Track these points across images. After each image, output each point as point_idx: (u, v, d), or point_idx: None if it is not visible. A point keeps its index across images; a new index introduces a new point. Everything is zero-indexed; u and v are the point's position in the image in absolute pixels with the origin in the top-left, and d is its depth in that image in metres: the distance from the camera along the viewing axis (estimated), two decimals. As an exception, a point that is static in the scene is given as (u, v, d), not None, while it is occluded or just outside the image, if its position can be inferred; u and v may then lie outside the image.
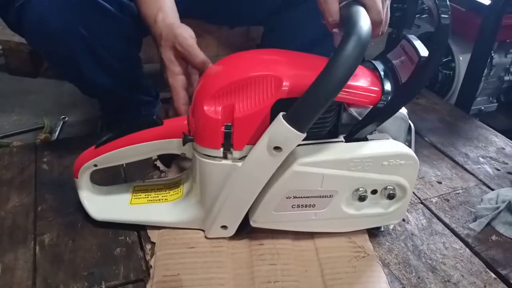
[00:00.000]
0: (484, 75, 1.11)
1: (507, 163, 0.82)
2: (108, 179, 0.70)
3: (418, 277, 0.58)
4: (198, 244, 0.60)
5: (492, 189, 0.75)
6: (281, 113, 0.48)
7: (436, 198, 0.73)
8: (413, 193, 0.73)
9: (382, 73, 0.57)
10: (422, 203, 0.72)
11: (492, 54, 1.13)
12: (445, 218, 0.68)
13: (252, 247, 0.60)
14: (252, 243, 0.60)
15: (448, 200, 0.72)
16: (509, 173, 0.80)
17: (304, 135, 0.48)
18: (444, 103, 1.03)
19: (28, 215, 0.64)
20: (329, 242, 0.61)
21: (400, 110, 0.56)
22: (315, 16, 0.56)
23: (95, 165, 0.59)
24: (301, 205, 0.56)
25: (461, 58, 1.14)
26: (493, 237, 0.65)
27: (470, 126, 0.94)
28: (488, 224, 0.67)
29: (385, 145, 0.55)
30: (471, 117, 0.97)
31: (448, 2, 0.48)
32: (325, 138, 0.56)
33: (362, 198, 0.56)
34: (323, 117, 0.53)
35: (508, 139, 0.90)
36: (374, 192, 0.57)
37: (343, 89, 0.47)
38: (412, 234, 0.65)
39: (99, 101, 0.99)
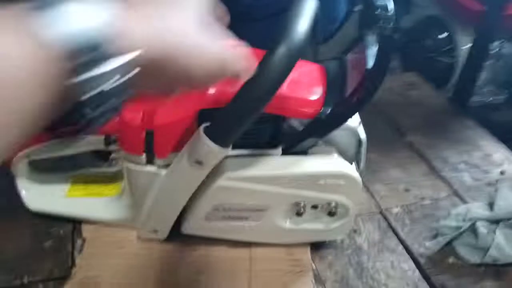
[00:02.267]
0: (490, 63, 1.01)
1: (489, 173, 0.76)
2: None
3: (354, 299, 0.55)
4: (128, 244, 0.58)
5: (466, 202, 0.70)
6: (202, 126, 0.44)
7: (398, 208, 0.68)
8: (375, 201, 0.69)
9: (331, 79, 0.51)
10: (381, 213, 0.67)
11: (503, 42, 1.03)
12: (401, 233, 0.64)
13: (184, 253, 0.57)
14: (185, 248, 0.58)
15: (411, 212, 0.67)
16: (488, 184, 0.73)
17: (227, 150, 0.44)
18: (438, 96, 0.94)
19: None
20: (267, 252, 0.58)
21: (350, 122, 0.51)
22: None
23: (28, 157, 0.57)
24: (233, 217, 0.53)
25: (462, 48, 1.04)
26: (450, 260, 0.61)
27: (460, 126, 0.87)
28: (449, 243, 0.62)
29: (323, 163, 0.50)
30: (464, 115, 0.89)
31: (391, 12, 0.41)
32: (263, 148, 0.52)
33: (299, 214, 0.53)
34: (256, 128, 0.49)
35: (498, 144, 0.82)
36: (314, 207, 0.53)
37: (275, 100, 0.43)
38: (359, 249, 0.61)
39: None
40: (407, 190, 0.71)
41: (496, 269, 0.59)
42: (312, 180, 0.50)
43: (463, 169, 0.76)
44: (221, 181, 0.49)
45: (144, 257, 0.56)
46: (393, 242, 0.63)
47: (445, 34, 1.08)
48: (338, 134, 0.52)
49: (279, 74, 0.40)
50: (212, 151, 0.44)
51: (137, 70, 0.26)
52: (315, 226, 0.55)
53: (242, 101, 0.41)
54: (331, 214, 0.53)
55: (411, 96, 0.94)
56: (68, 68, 0.23)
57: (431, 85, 0.97)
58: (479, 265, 0.60)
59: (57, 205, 0.60)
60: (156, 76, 0.29)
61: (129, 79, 0.26)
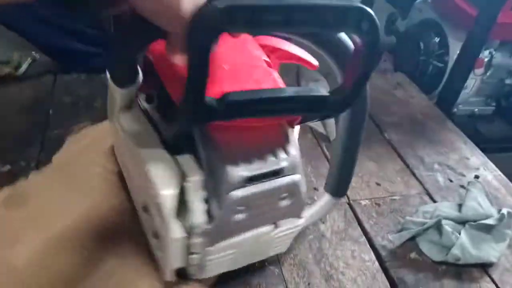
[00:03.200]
0: (480, 74, 1.01)
1: (464, 175, 0.75)
2: (28, 128, 0.68)
3: (308, 283, 0.54)
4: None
5: (435, 201, 0.69)
6: None
7: (366, 201, 0.67)
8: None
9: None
10: (349, 203, 0.66)
11: (493, 53, 1.02)
12: (366, 224, 0.63)
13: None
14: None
15: (379, 205, 0.67)
16: (461, 186, 0.73)
17: None
18: (422, 98, 0.94)
19: None
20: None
21: None
22: None
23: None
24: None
25: (453, 54, 1.03)
26: (412, 255, 0.60)
27: (440, 128, 0.86)
28: (413, 239, 0.62)
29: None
30: (445, 118, 0.89)
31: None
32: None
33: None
34: None
35: (477, 149, 0.82)
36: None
37: None
38: (322, 236, 0.60)
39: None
40: (378, 184, 0.71)
41: (457, 269, 0.59)
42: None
43: (438, 169, 0.76)
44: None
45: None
46: (356, 232, 0.62)
47: (438, 38, 1.08)
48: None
49: None
50: None
51: None
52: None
53: None
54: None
55: (396, 95, 0.93)
56: None
57: (417, 87, 0.97)
58: (441, 263, 0.59)
59: None
60: None
61: None
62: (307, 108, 0.38)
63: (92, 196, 0.57)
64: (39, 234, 0.51)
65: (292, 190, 0.42)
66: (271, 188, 0.40)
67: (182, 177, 0.40)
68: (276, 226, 0.46)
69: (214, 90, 0.35)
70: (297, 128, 0.50)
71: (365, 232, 0.62)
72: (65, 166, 0.60)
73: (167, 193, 0.39)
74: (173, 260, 0.44)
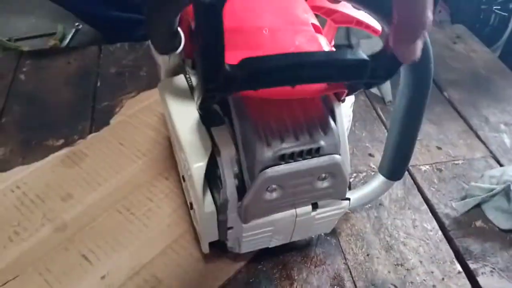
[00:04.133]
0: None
1: (533, 135, 0.69)
2: (74, 99, 0.68)
3: (367, 255, 0.52)
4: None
5: (502, 165, 0.64)
6: None
7: (427, 166, 0.63)
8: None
9: None
10: (408, 169, 0.63)
11: None
12: (427, 191, 0.60)
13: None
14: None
15: (440, 171, 0.63)
16: (531, 147, 0.67)
17: None
18: (485, 52, 0.86)
19: (-11, 126, 0.64)
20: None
21: None
22: None
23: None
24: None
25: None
26: (478, 223, 0.56)
27: (506, 84, 0.79)
28: (478, 206, 0.58)
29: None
30: (511, 72, 0.81)
31: None
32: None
33: None
34: None
35: (548, 106, 0.75)
36: None
37: None
38: (380, 204, 0.58)
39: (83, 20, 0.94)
40: (439, 147, 0.66)
41: (528, 237, 0.55)
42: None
43: (504, 130, 0.70)
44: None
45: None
46: (417, 200, 0.59)
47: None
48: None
49: None
50: None
51: None
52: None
53: None
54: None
55: (456, 50, 0.86)
56: None
57: (478, 40, 0.89)
58: (509, 231, 0.55)
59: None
60: None
61: None
62: (344, 75, 0.33)
63: (143, 160, 0.59)
64: (89, 192, 0.54)
65: (332, 170, 0.38)
66: (307, 168, 0.37)
67: (216, 150, 0.38)
68: (316, 207, 0.43)
69: (249, 56, 0.31)
70: (350, 101, 0.47)
71: (426, 200, 0.59)
72: (121, 129, 0.63)
73: (198, 166, 0.37)
74: (207, 232, 0.43)
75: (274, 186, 0.37)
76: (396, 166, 0.47)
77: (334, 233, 0.54)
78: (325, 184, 0.39)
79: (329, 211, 0.44)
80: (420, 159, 0.64)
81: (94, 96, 0.69)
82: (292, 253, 0.51)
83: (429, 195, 0.59)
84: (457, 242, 0.54)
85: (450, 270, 0.51)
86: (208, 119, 0.40)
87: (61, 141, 0.61)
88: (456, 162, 0.64)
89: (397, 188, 0.60)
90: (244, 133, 0.37)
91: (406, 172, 0.62)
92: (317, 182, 0.39)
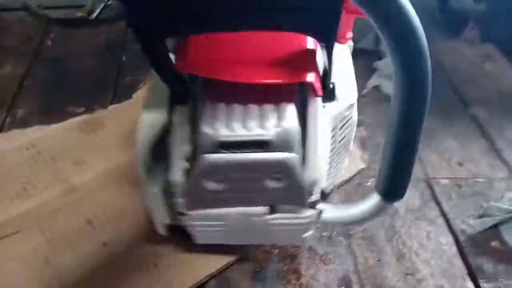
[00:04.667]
0: None
1: (558, 163, 0.67)
2: (99, 71, 0.68)
3: (378, 260, 0.51)
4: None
5: (523, 188, 0.63)
6: None
7: (446, 180, 0.62)
8: (422, 168, 0.63)
9: None
10: (426, 181, 0.61)
11: None
12: (445, 205, 0.58)
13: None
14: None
15: (460, 186, 0.61)
16: (555, 175, 0.65)
17: None
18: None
19: (12, 86, 0.64)
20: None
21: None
22: None
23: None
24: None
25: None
26: (494, 243, 0.55)
27: (534, 108, 0.77)
28: (496, 226, 0.57)
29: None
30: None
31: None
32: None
33: None
34: None
35: None
36: None
37: None
38: (395, 213, 0.56)
39: None
40: (460, 164, 0.65)
41: (544, 264, 0.53)
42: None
43: (529, 153, 0.68)
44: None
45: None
46: (433, 213, 0.57)
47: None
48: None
49: None
50: None
51: None
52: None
53: None
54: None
55: (485, 69, 0.85)
56: None
57: (508, 61, 0.87)
58: (526, 255, 0.54)
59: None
60: None
61: None
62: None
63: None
64: (101, 161, 0.55)
65: (281, 170, 0.35)
66: (253, 161, 0.34)
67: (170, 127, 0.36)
68: (273, 211, 0.39)
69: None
70: (349, 101, 0.42)
71: (443, 213, 0.57)
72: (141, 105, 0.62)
73: (143, 137, 0.36)
74: (156, 213, 0.41)
75: (218, 176, 0.35)
76: (394, 185, 0.39)
77: (345, 234, 0.52)
78: (278, 184, 0.36)
79: (289, 218, 0.40)
80: (441, 172, 0.63)
81: (119, 69, 0.69)
82: (301, 248, 0.50)
83: (446, 209, 0.58)
84: (470, 260, 0.53)
85: (460, 286, 0.50)
86: (176, 95, 0.37)
87: (81, 109, 0.61)
88: (476, 180, 0.63)
89: (414, 198, 0.58)
90: (199, 116, 0.35)
91: (425, 184, 0.61)
92: (268, 181, 0.36)
